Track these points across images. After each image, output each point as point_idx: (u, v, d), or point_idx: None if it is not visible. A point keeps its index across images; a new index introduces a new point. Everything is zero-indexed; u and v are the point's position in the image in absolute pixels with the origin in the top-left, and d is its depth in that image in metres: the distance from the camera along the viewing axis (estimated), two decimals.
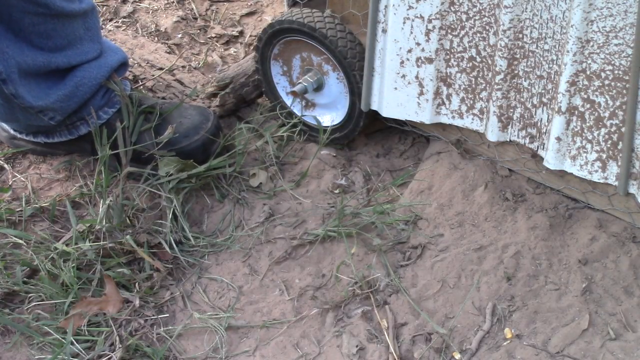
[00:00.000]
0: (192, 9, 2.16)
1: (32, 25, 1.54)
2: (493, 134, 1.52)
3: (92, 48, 1.65)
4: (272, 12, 2.14)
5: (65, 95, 1.61)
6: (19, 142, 1.76)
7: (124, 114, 1.66)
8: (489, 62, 1.47)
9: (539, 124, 1.46)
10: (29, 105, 1.58)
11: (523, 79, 1.45)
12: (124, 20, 2.13)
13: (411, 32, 1.51)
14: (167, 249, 1.55)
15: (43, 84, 1.60)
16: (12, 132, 1.74)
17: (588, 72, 1.35)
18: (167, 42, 2.07)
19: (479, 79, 1.50)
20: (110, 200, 1.56)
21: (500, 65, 1.44)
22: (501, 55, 1.43)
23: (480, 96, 1.51)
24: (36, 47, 1.56)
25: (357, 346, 1.40)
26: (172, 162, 1.62)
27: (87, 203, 1.65)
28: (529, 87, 1.45)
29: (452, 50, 1.50)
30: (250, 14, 2.16)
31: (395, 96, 1.59)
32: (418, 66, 1.54)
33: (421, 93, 1.56)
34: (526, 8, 1.38)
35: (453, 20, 1.47)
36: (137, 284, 1.52)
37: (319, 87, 1.69)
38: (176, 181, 1.61)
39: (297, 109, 1.75)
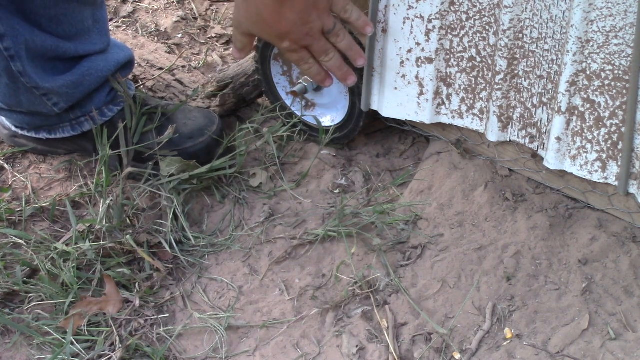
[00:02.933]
0: (192, 9, 2.16)
1: (43, 7, 1.54)
2: (493, 134, 1.52)
3: (100, 41, 1.65)
4: None
5: (72, 82, 1.61)
6: (20, 141, 1.76)
7: (126, 114, 1.66)
8: (489, 62, 1.47)
9: (539, 124, 1.47)
10: (35, 84, 1.58)
11: (523, 79, 1.45)
12: (124, 20, 2.13)
13: (411, 32, 1.51)
14: (168, 248, 1.55)
15: (50, 70, 1.60)
16: (13, 129, 1.74)
17: (588, 72, 1.35)
18: (167, 42, 2.07)
19: (479, 79, 1.50)
20: (111, 200, 1.56)
21: (500, 65, 1.44)
22: (501, 55, 1.43)
23: (480, 96, 1.51)
24: (45, 31, 1.56)
25: (357, 346, 1.40)
26: (174, 163, 1.62)
27: (87, 203, 1.65)
28: (529, 87, 1.45)
29: (452, 50, 1.50)
30: None
31: (395, 96, 1.59)
32: (418, 66, 1.54)
33: (421, 93, 1.56)
34: (526, 8, 1.38)
35: (453, 20, 1.47)
36: (137, 284, 1.52)
37: (319, 87, 1.69)
38: (177, 181, 1.61)
39: (297, 109, 1.75)
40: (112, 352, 1.41)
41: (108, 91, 1.67)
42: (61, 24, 1.58)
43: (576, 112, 1.39)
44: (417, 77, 1.55)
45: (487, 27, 1.45)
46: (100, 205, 1.56)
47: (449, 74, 1.53)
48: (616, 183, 1.41)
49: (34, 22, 1.55)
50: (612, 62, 1.32)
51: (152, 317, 1.48)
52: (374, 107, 1.62)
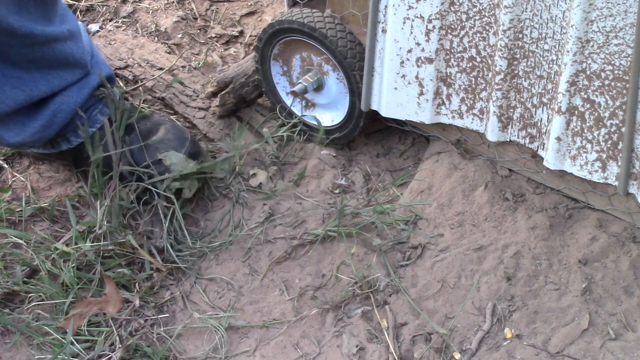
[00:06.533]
0: (192, 9, 2.16)
1: (19, 55, 1.50)
2: (493, 134, 1.52)
3: (77, 72, 1.61)
4: (272, 12, 2.14)
5: (42, 125, 1.58)
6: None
7: (106, 132, 1.61)
8: (489, 62, 1.47)
9: (539, 124, 1.47)
10: (6, 143, 1.57)
11: (523, 79, 1.45)
12: (124, 20, 2.13)
13: (411, 32, 1.51)
14: (157, 255, 1.54)
15: (19, 118, 1.56)
16: None
17: (588, 72, 1.35)
18: (167, 42, 2.07)
19: (479, 79, 1.50)
20: (109, 201, 1.56)
21: (500, 65, 1.44)
22: (501, 55, 1.43)
23: (480, 96, 1.51)
24: (18, 79, 1.52)
25: (357, 346, 1.40)
26: (176, 157, 1.60)
27: (86, 204, 1.65)
28: (529, 87, 1.45)
29: (452, 50, 1.50)
30: (250, 14, 2.16)
31: (395, 96, 1.59)
32: (418, 66, 1.54)
33: (421, 93, 1.56)
34: (526, 8, 1.38)
35: (453, 20, 1.47)
36: (137, 284, 1.52)
37: (319, 87, 1.69)
38: (172, 181, 1.60)
39: (297, 109, 1.75)
40: (112, 352, 1.41)
41: (83, 112, 1.63)
42: (37, 61, 1.53)
43: (576, 112, 1.39)
44: (417, 77, 1.55)
45: (487, 27, 1.45)
46: (98, 207, 1.56)
47: (449, 74, 1.53)
48: (616, 183, 1.41)
49: (7, 69, 1.49)
50: (612, 62, 1.32)
51: (152, 317, 1.48)
52: (374, 107, 1.62)
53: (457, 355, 1.37)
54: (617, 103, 1.35)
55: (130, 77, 1.91)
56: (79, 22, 1.67)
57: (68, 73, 1.59)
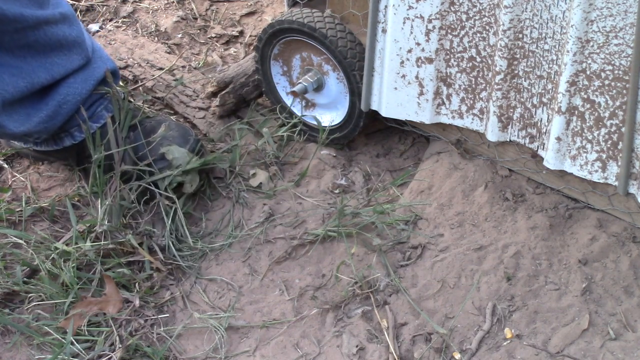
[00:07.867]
0: (192, 9, 2.16)
1: (12, 41, 1.49)
2: (493, 134, 1.52)
3: (77, 58, 1.59)
4: (272, 12, 2.14)
5: (48, 115, 1.57)
6: (15, 144, 1.76)
7: (109, 131, 1.61)
8: (489, 62, 1.47)
9: (539, 124, 1.47)
10: (12, 133, 1.56)
11: (523, 79, 1.45)
12: (124, 20, 2.13)
13: (411, 32, 1.51)
14: (159, 252, 1.54)
15: (23, 109, 1.55)
16: None
17: (588, 72, 1.35)
18: (167, 42, 2.07)
19: (479, 79, 1.50)
20: (110, 200, 1.56)
21: (500, 65, 1.44)
22: (501, 55, 1.43)
23: (480, 96, 1.51)
24: (16, 67, 1.51)
25: (357, 346, 1.40)
26: (179, 152, 1.60)
27: (87, 203, 1.65)
28: (529, 87, 1.45)
29: (452, 50, 1.50)
30: (250, 14, 2.16)
31: (395, 96, 1.59)
32: (418, 66, 1.54)
33: (421, 93, 1.56)
34: (526, 8, 1.38)
35: (453, 20, 1.47)
36: (137, 284, 1.52)
37: (319, 87, 1.69)
38: (170, 179, 1.60)
39: (297, 109, 1.75)
40: (112, 352, 1.41)
41: (87, 108, 1.63)
42: (33, 47, 1.52)
43: (576, 112, 1.39)
44: (417, 77, 1.55)
45: (487, 27, 1.45)
46: (99, 206, 1.56)
47: (449, 74, 1.53)
48: (616, 183, 1.41)
49: (3, 57, 1.49)
50: (612, 62, 1.32)
51: (152, 317, 1.48)
52: (374, 107, 1.62)
53: (457, 355, 1.37)
54: (617, 103, 1.35)
55: (130, 77, 1.91)
56: None
57: (65, 59, 1.58)
